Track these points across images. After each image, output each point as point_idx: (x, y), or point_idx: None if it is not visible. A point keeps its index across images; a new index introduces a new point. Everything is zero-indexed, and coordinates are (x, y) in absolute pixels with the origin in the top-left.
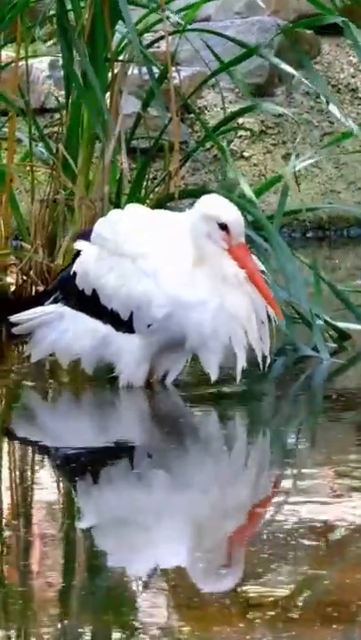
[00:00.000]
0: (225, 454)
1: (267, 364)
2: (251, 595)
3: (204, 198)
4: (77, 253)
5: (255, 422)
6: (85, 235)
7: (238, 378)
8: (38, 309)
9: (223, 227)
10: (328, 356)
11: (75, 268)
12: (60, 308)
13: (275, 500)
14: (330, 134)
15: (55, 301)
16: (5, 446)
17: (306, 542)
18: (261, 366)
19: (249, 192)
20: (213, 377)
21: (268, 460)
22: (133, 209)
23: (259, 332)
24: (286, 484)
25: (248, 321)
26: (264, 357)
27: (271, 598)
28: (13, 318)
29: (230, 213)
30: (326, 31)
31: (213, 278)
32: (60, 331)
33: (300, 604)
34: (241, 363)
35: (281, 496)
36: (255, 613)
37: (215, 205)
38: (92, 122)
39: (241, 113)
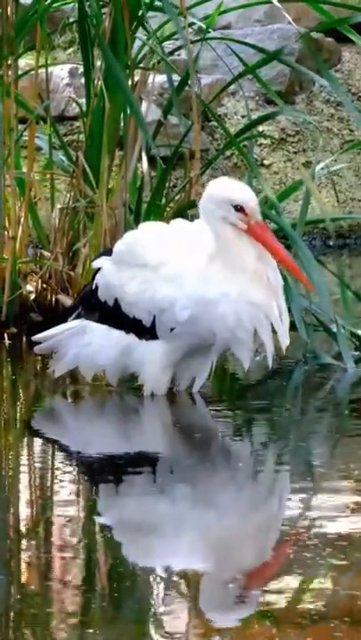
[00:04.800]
0: (247, 470)
1: (285, 349)
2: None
3: (213, 183)
4: (97, 271)
5: (278, 433)
6: (105, 254)
7: (270, 364)
8: (61, 326)
9: (239, 208)
10: (353, 364)
11: (96, 281)
12: (82, 322)
13: (297, 516)
14: (350, 142)
15: (78, 317)
16: (26, 451)
17: (333, 562)
18: (283, 349)
19: (273, 199)
20: (246, 367)
21: (291, 475)
22: (147, 225)
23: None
24: (310, 500)
25: (269, 307)
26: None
27: (297, 617)
28: (36, 337)
29: (244, 193)
30: (347, 39)
31: (230, 268)
32: (83, 344)
33: (330, 624)
34: (270, 349)
35: (304, 512)
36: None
37: (226, 188)
38: (142, 132)
39: (263, 119)
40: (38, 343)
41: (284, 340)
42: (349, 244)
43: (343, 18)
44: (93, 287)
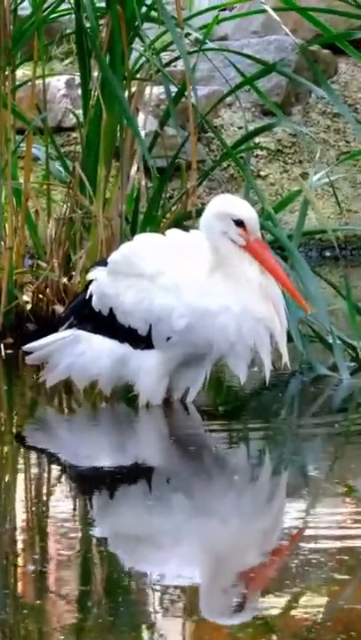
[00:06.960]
0: (243, 482)
1: (288, 364)
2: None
3: (216, 198)
4: (90, 282)
5: (273, 444)
6: (99, 264)
7: (267, 379)
8: (52, 336)
9: (239, 223)
10: (348, 375)
11: (90, 290)
12: (75, 332)
13: (296, 528)
14: (346, 153)
15: (70, 327)
16: (21, 462)
17: (334, 575)
18: (287, 364)
19: (270, 210)
20: (243, 380)
21: (288, 487)
22: (143, 236)
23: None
24: (308, 512)
25: (272, 322)
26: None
27: (298, 631)
28: (27, 347)
29: (245, 209)
30: (343, 51)
31: (233, 281)
32: (77, 354)
33: (334, 638)
34: (268, 364)
35: (303, 525)
36: None
37: (228, 203)
38: (139, 143)
39: (260, 131)
40: (30, 353)
41: (285, 355)
42: (345, 256)
43: (343, 33)
44: (87, 297)
